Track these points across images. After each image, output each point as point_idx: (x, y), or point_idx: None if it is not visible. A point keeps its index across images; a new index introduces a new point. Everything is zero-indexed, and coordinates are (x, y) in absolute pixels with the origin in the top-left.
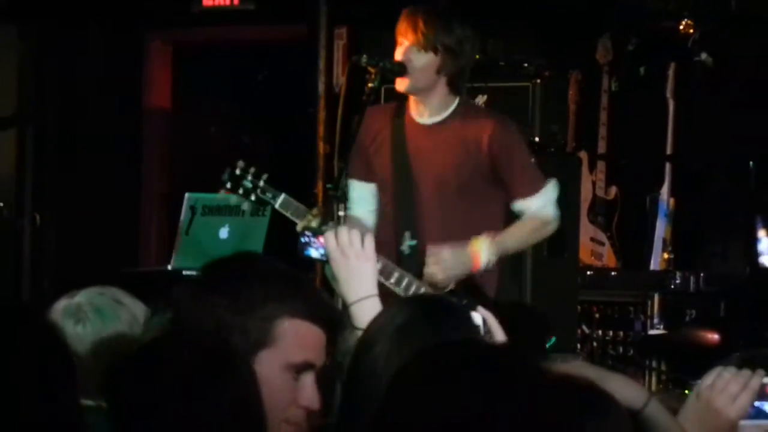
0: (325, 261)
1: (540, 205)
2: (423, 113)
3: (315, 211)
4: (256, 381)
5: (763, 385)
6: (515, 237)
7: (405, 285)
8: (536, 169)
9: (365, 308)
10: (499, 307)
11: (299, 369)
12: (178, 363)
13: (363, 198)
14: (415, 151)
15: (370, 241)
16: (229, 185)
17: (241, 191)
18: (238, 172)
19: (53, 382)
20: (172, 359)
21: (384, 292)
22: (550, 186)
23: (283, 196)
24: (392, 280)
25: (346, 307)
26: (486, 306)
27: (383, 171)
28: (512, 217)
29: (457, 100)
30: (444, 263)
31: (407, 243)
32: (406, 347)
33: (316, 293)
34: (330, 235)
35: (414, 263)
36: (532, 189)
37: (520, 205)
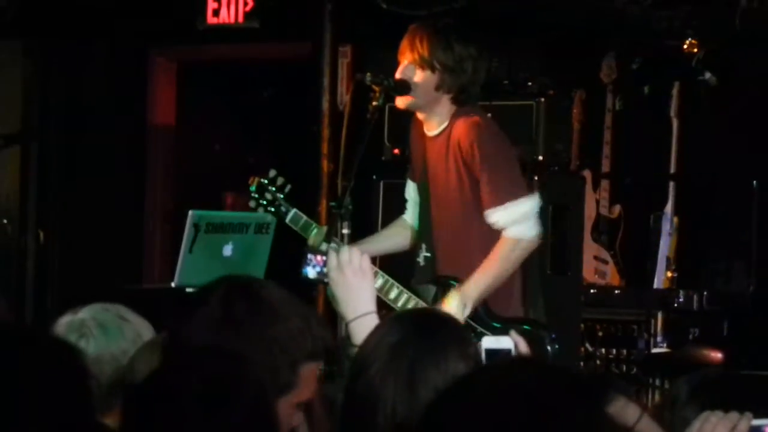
0: (321, 280)
1: (505, 221)
2: (431, 127)
3: (323, 228)
4: (268, 405)
5: (752, 428)
6: (484, 274)
7: (403, 302)
8: (510, 179)
9: (364, 325)
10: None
11: (303, 405)
12: (188, 389)
13: (414, 199)
14: (429, 165)
15: (366, 260)
16: (256, 195)
17: (263, 202)
18: (265, 180)
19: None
20: (183, 385)
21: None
22: (522, 202)
23: (293, 211)
24: (391, 297)
25: (346, 325)
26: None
27: (418, 178)
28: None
29: (453, 112)
30: None
31: (423, 254)
32: (401, 364)
33: (321, 326)
34: (332, 254)
35: (429, 274)
36: (496, 200)
37: (486, 217)
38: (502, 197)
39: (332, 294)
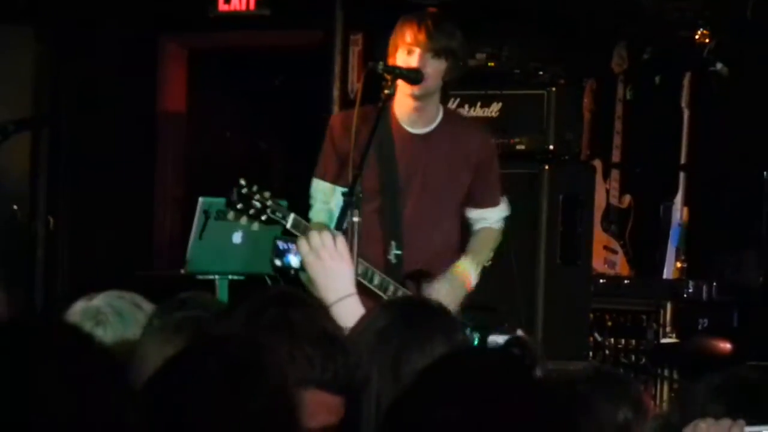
0: (301, 268)
1: (497, 217)
2: (416, 122)
3: (314, 224)
4: (287, 393)
5: None
6: (485, 251)
7: (392, 290)
8: (500, 183)
9: (346, 307)
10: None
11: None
12: (205, 374)
13: (325, 200)
14: (405, 161)
15: (342, 242)
16: (239, 206)
17: (252, 212)
18: (244, 191)
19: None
20: (199, 370)
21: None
22: (505, 201)
23: (292, 216)
24: (375, 283)
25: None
26: None
27: (369, 179)
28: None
29: (442, 110)
30: (446, 301)
31: (393, 252)
32: (386, 350)
33: (344, 357)
34: (302, 239)
35: (400, 273)
36: (496, 200)
37: (479, 213)
38: (498, 198)
39: (308, 278)
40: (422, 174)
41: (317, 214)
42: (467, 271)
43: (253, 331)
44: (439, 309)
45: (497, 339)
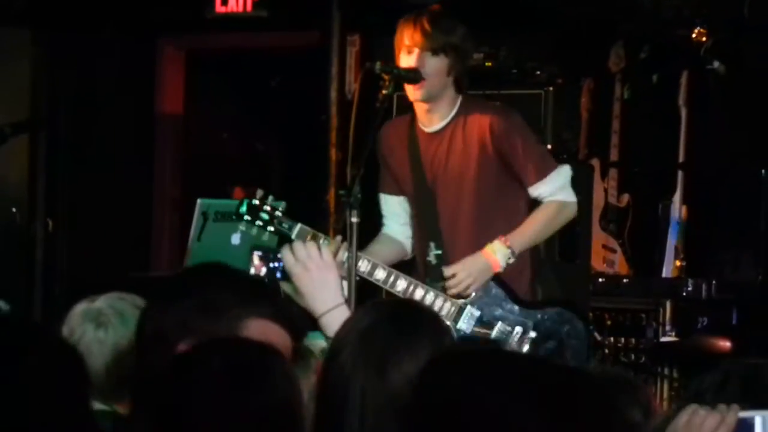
0: (283, 279)
1: (551, 190)
2: (432, 121)
3: (328, 240)
4: (294, 389)
5: (739, 420)
6: (531, 228)
7: (420, 296)
8: (544, 155)
9: (336, 317)
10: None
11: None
12: (210, 372)
13: (394, 212)
14: (429, 161)
15: (327, 252)
16: (247, 217)
17: (259, 223)
18: (255, 202)
19: (67, 394)
20: (204, 369)
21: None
22: (561, 170)
23: (299, 226)
24: (399, 290)
25: (315, 320)
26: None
27: (406, 185)
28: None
29: (460, 99)
30: (463, 280)
31: (433, 253)
32: (371, 349)
33: (279, 298)
34: (286, 251)
35: (441, 273)
36: (540, 174)
37: (532, 191)
38: (543, 171)
39: (294, 289)
40: (443, 170)
41: (388, 227)
42: (493, 252)
43: (186, 293)
44: (424, 309)
45: None
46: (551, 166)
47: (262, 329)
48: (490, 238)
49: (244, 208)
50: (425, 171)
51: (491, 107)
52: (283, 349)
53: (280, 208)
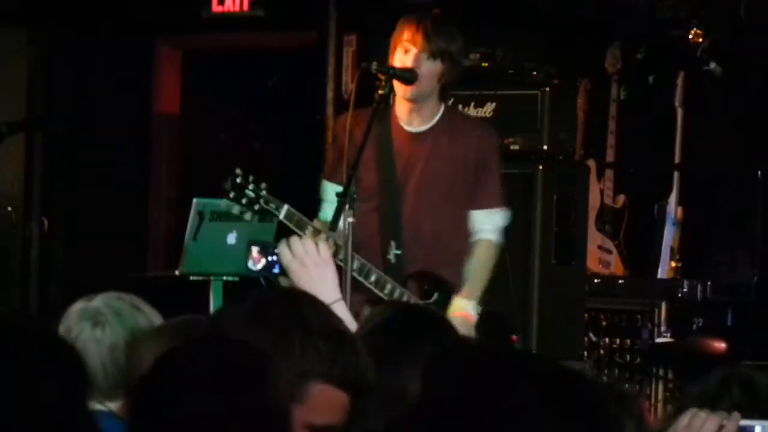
0: (280, 274)
1: (491, 228)
2: (413, 121)
3: (316, 222)
4: (277, 391)
5: (740, 428)
6: (480, 279)
7: (389, 289)
8: (502, 188)
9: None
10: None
11: (318, 430)
12: (196, 370)
13: (332, 201)
14: (403, 160)
15: (325, 248)
16: (232, 194)
17: (244, 201)
18: (239, 180)
19: (66, 392)
20: (189, 368)
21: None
22: (505, 212)
23: (286, 207)
24: (372, 281)
25: None
26: None
27: (368, 178)
28: None
29: (442, 108)
30: None
31: (393, 252)
32: (373, 353)
33: (354, 355)
34: (283, 247)
35: (400, 272)
36: (491, 202)
37: (474, 217)
38: (496, 202)
39: (290, 285)
40: (420, 171)
41: (326, 213)
42: (464, 309)
43: (262, 323)
44: (428, 312)
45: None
46: (503, 203)
47: (326, 394)
48: (444, 249)
49: (228, 185)
50: (397, 168)
51: (479, 122)
52: (342, 413)
53: (264, 187)
